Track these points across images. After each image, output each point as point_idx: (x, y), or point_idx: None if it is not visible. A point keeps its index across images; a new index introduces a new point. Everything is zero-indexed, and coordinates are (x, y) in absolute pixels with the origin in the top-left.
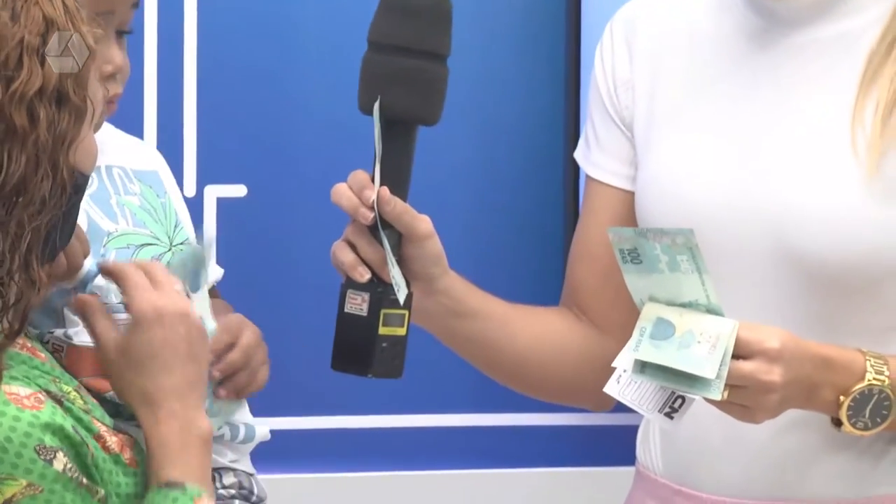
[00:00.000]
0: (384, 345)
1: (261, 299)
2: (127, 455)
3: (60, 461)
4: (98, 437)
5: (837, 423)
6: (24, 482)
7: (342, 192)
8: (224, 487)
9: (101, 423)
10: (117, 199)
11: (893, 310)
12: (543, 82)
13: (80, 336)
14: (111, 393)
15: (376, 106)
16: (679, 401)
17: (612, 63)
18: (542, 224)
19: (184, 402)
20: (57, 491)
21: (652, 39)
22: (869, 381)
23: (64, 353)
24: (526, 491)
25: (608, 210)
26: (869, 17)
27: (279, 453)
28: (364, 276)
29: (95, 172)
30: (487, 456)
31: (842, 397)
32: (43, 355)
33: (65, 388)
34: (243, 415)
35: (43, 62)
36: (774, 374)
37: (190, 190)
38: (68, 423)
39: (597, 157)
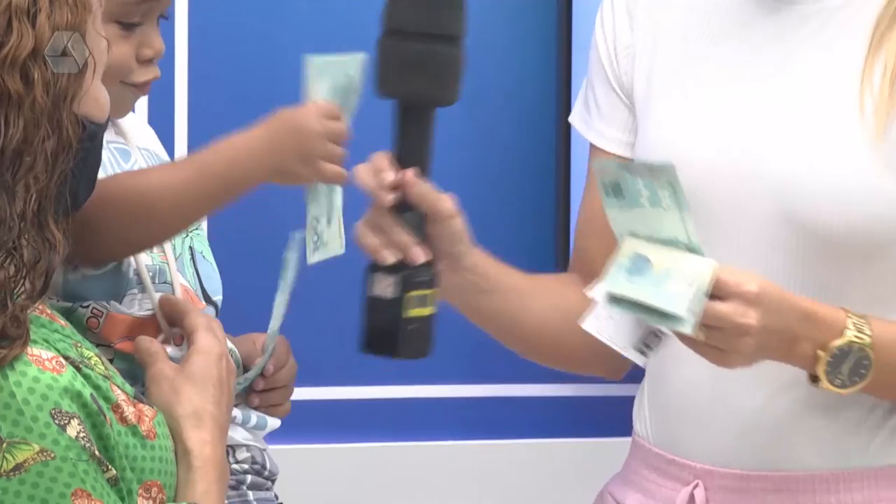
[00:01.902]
0: (411, 327)
1: (260, 290)
2: (145, 427)
3: (74, 428)
4: (116, 407)
5: (815, 379)
6: (36, 447)
7: (363, 174)
8: (237, 462)
9: (122, 390)
10: None
11: (893, 278)
12: (535, 49)
13: (117, 306)
14: None
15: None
16: (653, 337)
17: (612, 29)
18: (534, 189)
19: (221, 436)
20: (69, 459)
21: (653, 4)
22: (849, 338)
23: (103, 318)
24: (521, 461)
25: None
26: None
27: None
28: (389, 258)
29: (134, 150)
30: (482, 427)
31: (820, 352)
32: (64, 322)
33: (86, 353)
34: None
35: (34, 22)
36: (750, 317)
37: None
38: (87, 391)
39: (598, 125)
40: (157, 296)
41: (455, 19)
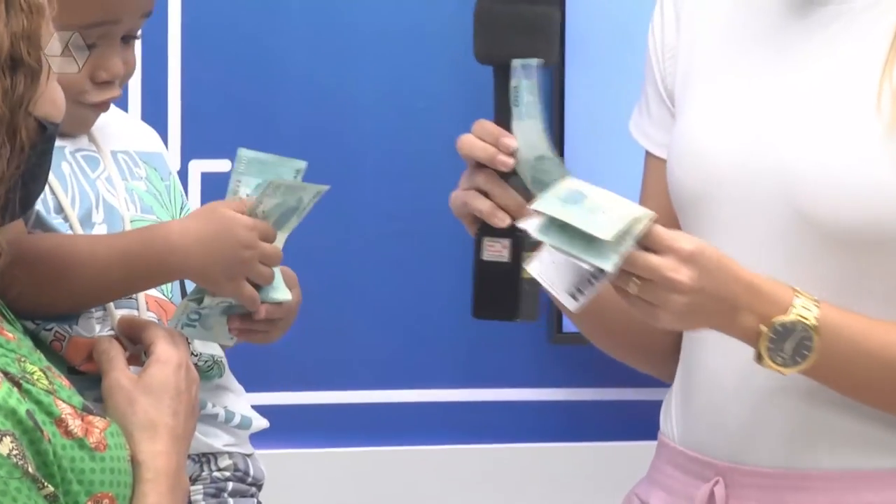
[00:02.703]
0: (528, 288)
1: None
2: (93, 438)
3: (6, 445)
4: (59, 421)
5: (759, 356)
6: None
7: (474, 143)
8: (219, 470)
9: (68, 403)
10: (126, 185)
11: None
12: None
13: (78, 329)
14: None
15: (529, 61)
16: (587, 284)
17: (661, 33)
18: None
19: (178, 446)
20: (1, 477)
21: (698, 7)
22: (795, 315)
23: (66, 342)
24: (545, 466)
25: (660, 181)
26: None
27: (271, 429)
28: (505, 221)
29: (104, 157)
30: (480, 431)
31: (763, 327)
32: (11, 335)
33: (30, 367)
34: (243, 407)
35: None
36: (682, 274)
37: (174, 164)
38: (22, 408)
39: (648, 129)
40: (118, 314)
41: None
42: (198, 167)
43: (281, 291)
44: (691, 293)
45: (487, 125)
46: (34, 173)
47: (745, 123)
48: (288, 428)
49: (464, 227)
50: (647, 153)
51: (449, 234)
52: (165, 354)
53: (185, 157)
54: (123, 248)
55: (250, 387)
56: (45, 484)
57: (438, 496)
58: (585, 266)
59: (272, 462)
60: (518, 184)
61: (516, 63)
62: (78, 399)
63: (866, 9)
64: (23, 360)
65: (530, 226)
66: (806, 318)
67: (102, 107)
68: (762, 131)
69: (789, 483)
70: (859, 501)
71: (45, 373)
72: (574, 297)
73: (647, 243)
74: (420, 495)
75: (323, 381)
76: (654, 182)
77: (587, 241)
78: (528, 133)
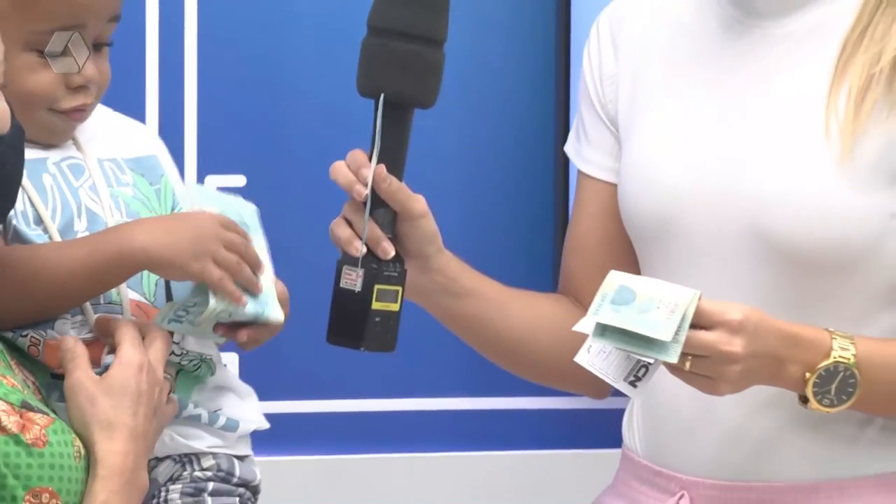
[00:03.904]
0: (377, 319)
1: None
2: (31, 435)
3: None
4: None
5: (804, 399)
6: None
7: (339, 170)
8: (202, 470)
9: (5, 401)
10: (111, 192)
11: (865, 296)
12: (535, 76)
13: (53, 333)
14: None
15: (381, 97)
16: (643, 370)
17: (598, 59)
18: (534, 214)
19: (136, 445)
20: None
21: (637, 34)
22: (835, 358)
23: (41, 346)
24: (516, 472)
25: (597, 202)
26: (841, 7)
27: (277, 437)
28: (359, 250)
29: (89, 164)
30: (478, 439)
31: (808, 374)
32: None
33: None
34: (243, 409)
35: None
36: (735, 344)
37: (191, 179)
38: None
39: (586, 152)
40: (94, 317)
41: (438, 23)
42: (213, 182)
43: (274, 310)
44: (744, 360)
45: (357, 154)
46: None
47: (701, 150)
48: (291, 436)
49: (471, 239)
50: (581, 174)
51: (457, 244)
52: (128, 356)
53: (202, 172)
54: (88, 242)
55: (262, 395)
56: None
57: (439, 501)
58: (647, 360)
59: (274, 469)
60: (384, 217)
61: (380, 98)
62: (17, 396)
63: (807, 36)
64: None
65: (586, 327)
66: (847, 359)
67: (75, 115)
68: (717, 158)
69: (752, 495)
70: None
71: None
72: (634, 384)
73: (696, 321)
74: (422, 501)
75: (325, 390)
76: (590, 202)
77: (648, 340)
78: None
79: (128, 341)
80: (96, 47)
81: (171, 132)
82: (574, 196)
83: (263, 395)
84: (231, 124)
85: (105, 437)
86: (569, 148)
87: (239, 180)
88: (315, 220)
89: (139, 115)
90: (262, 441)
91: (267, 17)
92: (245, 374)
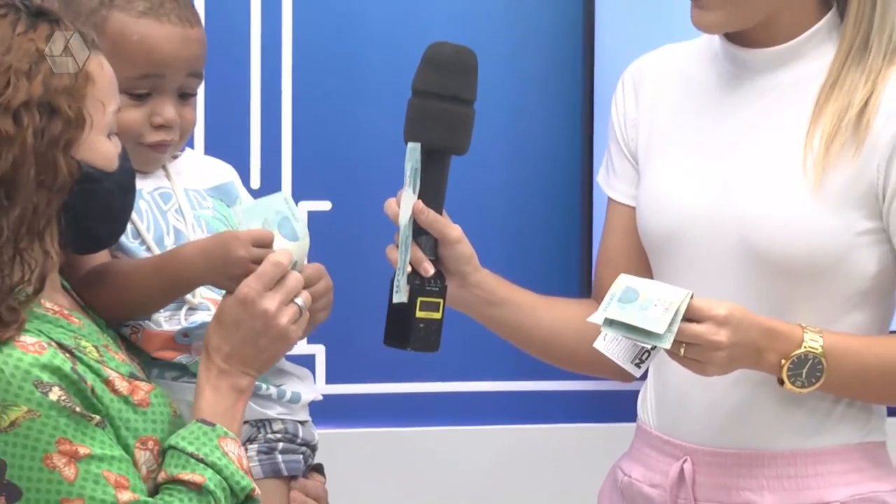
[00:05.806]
0: (421, 325)
1: (341, 298)
2: (137, 397)
3: (56, 393)
4: (108, 382)
5: (780, 382)
6: (24, 408)
7: (390, 206)
8: (272, 432)
9: (116, 371)
10: (194, 214)
11: (835, 299)
12: (564, 121)
13: (149, 324)
14: (179, 357)
15: (415, 144)
16: (646, 354)
17: (623, 107)
18: (562, 233)
19: (238, 367)
20: (52, 416)
21: (654, 85)
22: (805, 348)
23: (140, 335)
24: (549, 442)
25: (622, 223)
26: (818, 65)
27: (354, 412)
28: (429, 270)
29: (176, 192)
30: (518, 414)
31: (783, 360)
32: (78, 321)
33: (84, 343)
34: (301, 387)
35: (31, 80)
36: (721, 335)
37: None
38: (67, 366)
39: (613, 182)
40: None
41: (468, 86)
42: (303, 207)
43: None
44: (729, 348)
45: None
46: (88, 206)
47: (702, 180)
48: (361, 412)
49: (508, 231)
50: (611, 200)
51: (494, 261)
52: (241, 295)
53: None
54: (155, 265)
55: (339, 380)
56: (92, 416)
57: (480, 473)
58: (647, 346)
59: (351, 440)
60: (426, 243)
61: (410, 146)
62: (126, 368)
63: (791, 87)
64: (79, 338)
65: (598, 320)
66: (815, 349)
67: (158, 148)
68: (718, 186)
69: (741, 461)
70: (797, 474)
71: (97, 348)
72: (638, 365)
73: (689, 315)
74: (474, 467)
75: (394, 374)
76: (617, 223)
77: (647, 331)
78: (404, 200)
79: (252, 278)
80: (182, 96)
81: (270, 165)
82: (605, 219)
83: (344, 379)
84: (320, 157)
85: (210, 364)
86: (600, 178)
87: (325, 205)
88: (390, 239)
89: (244, 150)
90: (341, 416)
91: (352, 61)
92: (329, 362)
